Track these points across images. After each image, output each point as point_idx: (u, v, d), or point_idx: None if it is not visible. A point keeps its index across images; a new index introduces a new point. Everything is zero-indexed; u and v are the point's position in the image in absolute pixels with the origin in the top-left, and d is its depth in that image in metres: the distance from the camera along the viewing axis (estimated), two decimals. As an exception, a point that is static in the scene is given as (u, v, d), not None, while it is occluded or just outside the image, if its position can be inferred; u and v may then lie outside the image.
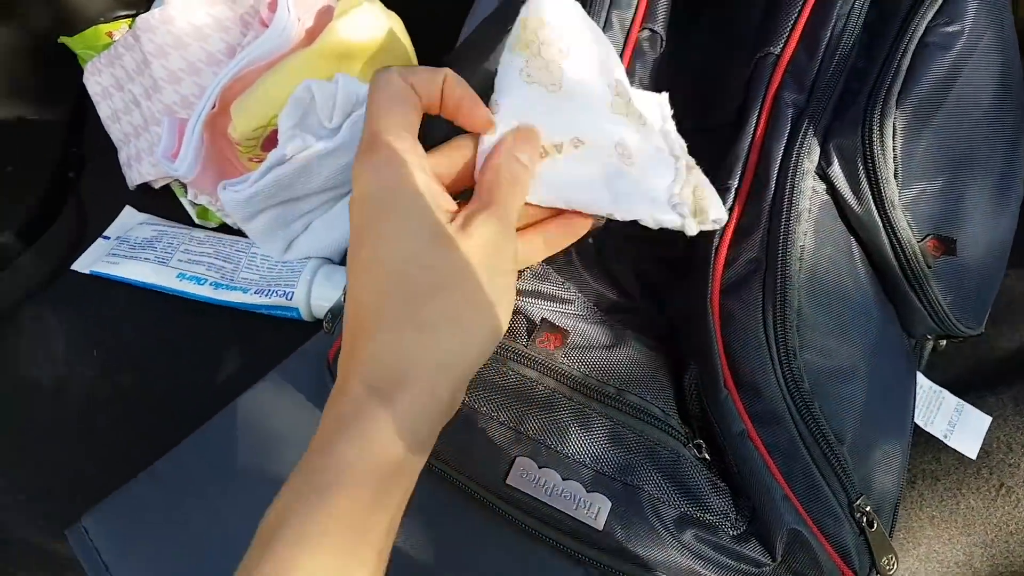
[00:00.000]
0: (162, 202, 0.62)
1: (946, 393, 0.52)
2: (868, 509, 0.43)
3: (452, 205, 0.36)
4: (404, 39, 0.55)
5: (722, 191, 0.46)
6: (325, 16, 0.54)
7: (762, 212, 0.44)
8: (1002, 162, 0.48)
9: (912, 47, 0.44)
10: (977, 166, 0.46)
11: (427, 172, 0.36)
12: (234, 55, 0.56)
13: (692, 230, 0.40)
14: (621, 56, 0.50)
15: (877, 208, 0.44)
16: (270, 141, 0.52)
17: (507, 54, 0.40)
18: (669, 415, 0.43)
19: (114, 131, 0.63)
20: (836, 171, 0.44)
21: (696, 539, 0.42)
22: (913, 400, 0.49)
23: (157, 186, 0.62)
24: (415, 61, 0.57)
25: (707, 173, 0.49)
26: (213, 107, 0.51)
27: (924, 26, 0.44)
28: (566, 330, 0.44)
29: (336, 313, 0.49)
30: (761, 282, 0.43)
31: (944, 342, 0.53)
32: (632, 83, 0.50)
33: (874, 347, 0.45)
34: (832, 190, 0.45)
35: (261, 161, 0.54)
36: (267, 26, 0.52)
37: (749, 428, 0.42)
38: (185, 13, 0.55)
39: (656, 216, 0.39)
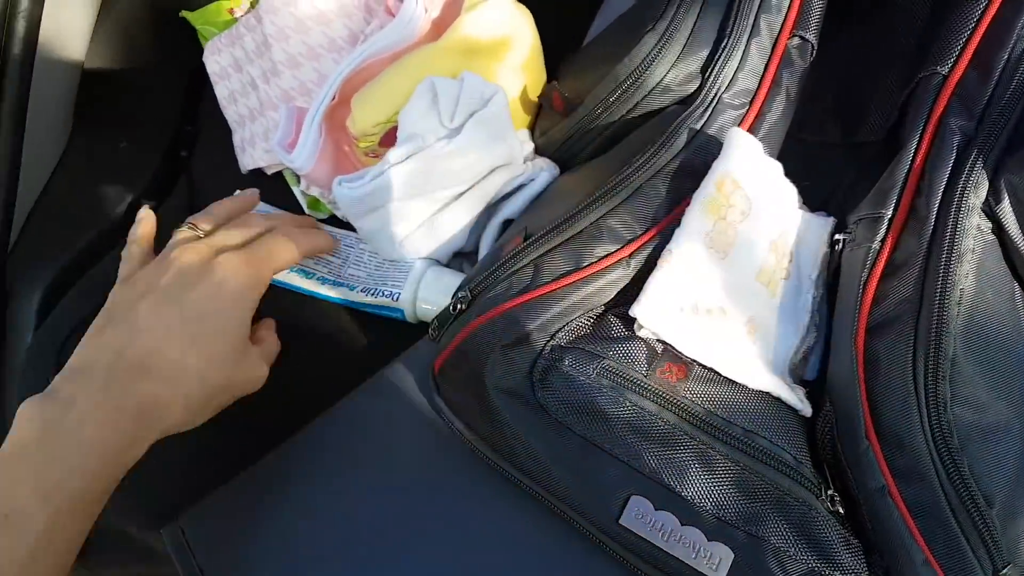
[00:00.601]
0: (273, 188, 0.61)
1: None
2: (1014, 578, 0.39)
3: None
4: (533, 36, 0.53)
5: (873, 219, 0.43)
6: (452, 8, 0.52)
7: (919, 247, 0.41)
8: None
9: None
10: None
11: None
12: (355, 42, 0.55)
13: (807, 410, 0.42)
14: (767, 66, 0.47)
15: (1051, 253, 0.40)
16: (389, 137, 0.50)
17: (698, 212, 0.42)
18: (801, 462, 0.40)
19: (230, 112, 0.62)
20: (1006, 209, 0.40)
21: (825, 599, 0.39)
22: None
23: (270, 172, 0.62)
24: (542, 58, 0.55)
25: (850, 191, 0.45)
26: (333, 98, 0.50)
27: None
28: (691, 361, 0.41)
29: (443, 321, 0.47)
30: (913, 325, 0.40)
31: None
32: (778, 94, 0.47)
33: (1031, 405, 0.41)
34: (999, 230, 0.41)
35: (378, 157, 0.52)
36: (393, 15, 0.51)
37: (890, 484, 0.39)
38: None
39: (780, 394, 0.42)
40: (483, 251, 0.54)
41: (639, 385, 0.41)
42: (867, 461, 0.39)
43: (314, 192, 0.57)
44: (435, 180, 0.49)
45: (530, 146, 0.55)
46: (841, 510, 0.40)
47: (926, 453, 0.38)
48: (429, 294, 0.52)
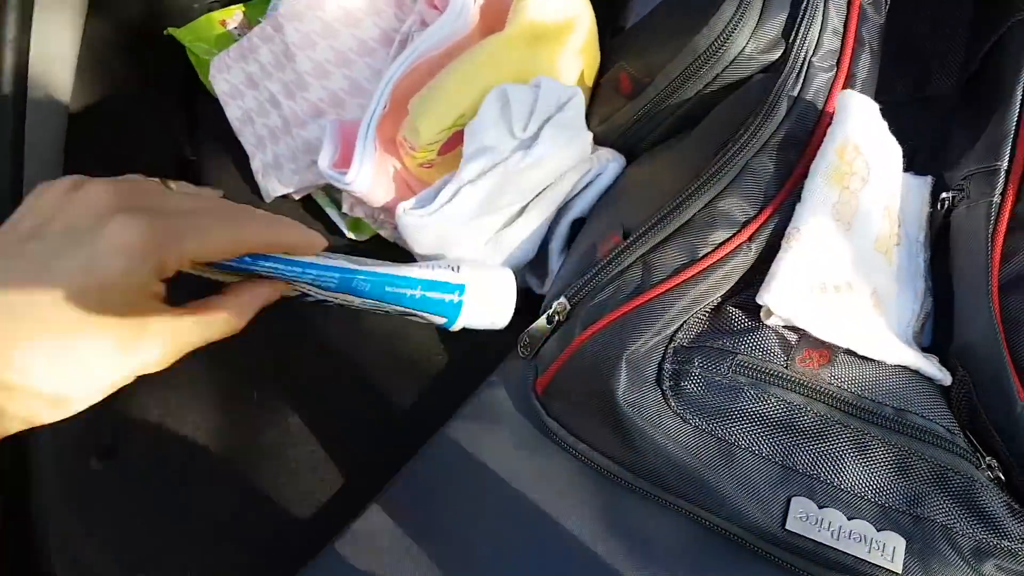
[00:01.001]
0: (301, 214, 0.57)
1: None
2: None
3: None
4: (591, 14, 0.49)
5: (988, 173, 0.41)
6: (500, -5, 0.48)
7: (1046, 197, 0.39)
8: None
9: None
10: None
11: None
12: (388, 42, 0.51)
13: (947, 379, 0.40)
14: (846, 24, 0.45)
15: None
16: (449, 144, 0.46)
17: (821, 182, 0.40)
18: (955, 433, 0.38)
19: (246, 135, 0.57)
20: None
21: (998, 569, 0.37)
22: None
23: (298, 196, 0.57)
24: (597, 38, 0.51)
25: (936, 147, 0.43)
26: (384, 107, 0.46)
27: None
28: (833, 346, 0.39)
29: (535, 336, 0.44)
30: (1052, 280, 0.38)
31: None
32: (863, 51, 0.44)
33: None
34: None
35: (432, 168, 0.48)
36: (437, 7, 0.47)
37: (1051, 445, 0.37)
38: None
39: (919, 366, 0.40)
40: (554, 256, 0.51)
41: (781, 377, 0.38)
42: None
43: (358, 213, 0.53)
44: (510, 195, 0.45)
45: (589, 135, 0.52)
46: (1002, 476, 0.39)
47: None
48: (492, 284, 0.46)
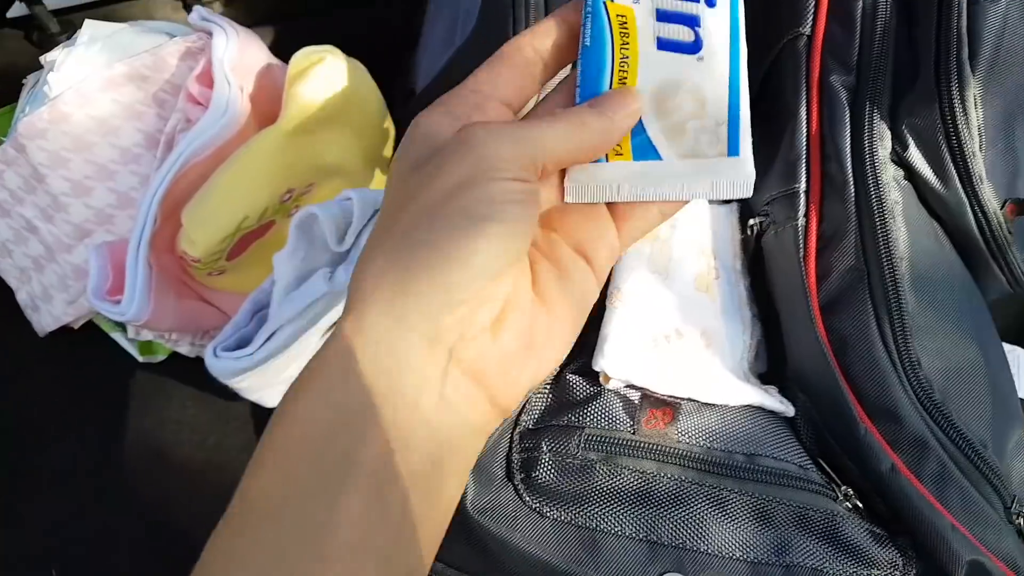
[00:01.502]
0: (84, 343, 0.50)
1: (1019, 350, 0.50)
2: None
3: None
4: (372, 88, 0.46)
5: (788, 196, 0.42)
6: (269, 78, 0.44)
7: (847, 213, 0.40)
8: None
9: (964, 5, 0.40)
10: (1020, 109, 0.43)
11: None
12: (155, 145, 0.46)
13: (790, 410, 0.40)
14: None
15: (964, 187, 0.40)
16: (238, 247, 0.42)
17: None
18: (807, 468, 0.38)
19: (5, 268, 0.50)
20: (914, 154, 0.40)
21: (873, 599, 0.37)
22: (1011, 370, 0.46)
23: (78, 325, 0.51)
24: (385, 107, 0.49)
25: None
26: (155, 222, 0.41)
27: (967, -21, 0.40)
28: (675, 402, 0.38)
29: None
30: (867, 292, 0.39)
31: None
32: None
33: (978, 330, 0.42)
34: (911, 175, 0.41)
35: (224, 272, 0.44)
36: (200, 103, 0.42)
37: (897, 461, 0.38)
38: (83, 106, 0.44)
39: (761, 402, 0.39)
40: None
41: (631, 446, 0.37)
42: (869, 445, 0.38)
43: (147, 335, 0.47)
44: (336, 311, 0.41)
45: None
46: (859, 504, 0.39)
47: (919, 418, 0.38)
48: None
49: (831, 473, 0.39)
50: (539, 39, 0.28)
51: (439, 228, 0.24)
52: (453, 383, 0.25)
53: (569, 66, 0.30)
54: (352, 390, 0.23)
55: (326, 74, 0.41)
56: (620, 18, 0.28)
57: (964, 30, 0.39)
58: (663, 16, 0.28)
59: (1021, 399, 0.49)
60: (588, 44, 0.28)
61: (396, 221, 0.25)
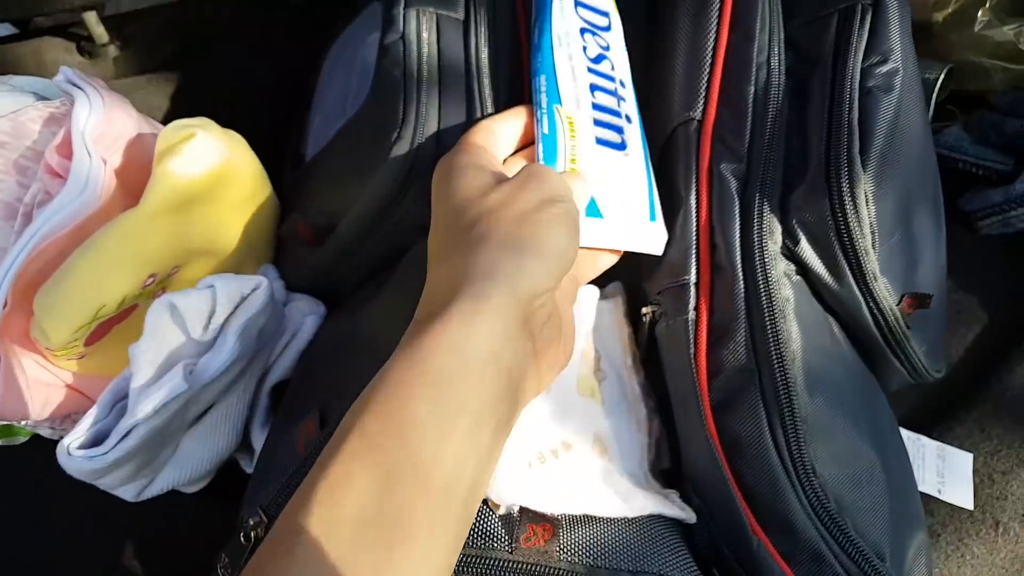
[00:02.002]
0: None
1: (924, 439, 0.50)
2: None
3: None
4: (252, 161, 0.44)
5: (678, 287, 0.40)
6: (139, 149, 0.41)
7: (737, 308, 0.39)
8: (932, 186, 0.46)
9: (856, 96, 0.39)
10: (918, 201, 0.43)
11: None
12: (12, 216, 0.42)
13: (692, 517, 0.39)
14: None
15: (858, 283, 0.39)
16: (98, 332, 0.39)
17: None
18: (695, 582, 0.37)
19: None
20: (806, 250, 0.39)
21: None
22: (911, 467, 0.45)
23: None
24: (267, 181, 0.46)
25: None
26: (4, 305, 0.38)
27: (859, 69, 0.40)
28: (554, 517, 0.36)
29: (235, 555, 0.37)
30: (759, 393, 0.38)
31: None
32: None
33: (876, 429, 0.41)
34: (803, 270, 0.40)
35: (84, 356, 0.41)
36: (60, 174, 0.39)
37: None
38: None
39: (660, 511, 0.38)
40: (256, 431, 0.44)
41: (508, 567, 0.34)
42: (762, 558, 0.37)
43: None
44: (196, 407, 0.39)
45: (280, 285, 0.46)
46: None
47: (813, 530, 0.36)
48: None
49: (720, 579, 0.38)
50: (510, 124, 0.39)
51: (540, 228, 0.32)
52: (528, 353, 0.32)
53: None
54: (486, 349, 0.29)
55: (197, 151, 0.38)
56: (568, 119, 0.38)
57: (855, 123, 0.39)
58: (598, 123, 0.39)
59: (923, 492, 0.48)
60: (547, 133, 0.38)
61: (485, 224, 0.32)
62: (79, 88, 0.42)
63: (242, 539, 0.37)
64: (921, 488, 0.48)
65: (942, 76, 0.58)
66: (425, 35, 0.43)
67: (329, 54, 0.53)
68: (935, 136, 0.62)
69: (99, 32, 0.67)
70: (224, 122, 0.44)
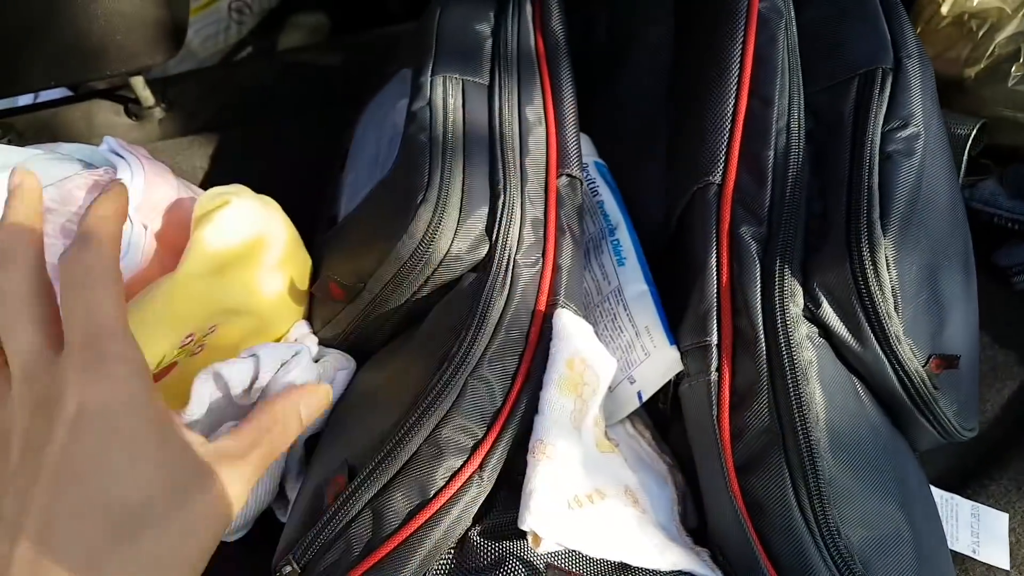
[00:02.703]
0: None
1: (958, 499, 0.49)
2: None
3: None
4: (286, 226, 0.46)
5: (701, 349, 0.41)
6: (178, 214, 0.43)
7: (759, 371, 0.39)
8: (962, 244, 0.46)
9: (876, 161, 0.40)
10: (945, 258, 0.43)
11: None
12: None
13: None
14: (546, 213, 0.44)
15: (881, 346, 0.40)
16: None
17: (555, 392, 0.38)
18: (720, 643, 0.36)
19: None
20: (828, 313, 0.40)
21: None
22: (942, 526, 0.45)
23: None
24: (301, 244, 0.48)
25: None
26: None
27: (879, 134, 0.40)
28: (579, 573, 0.36)
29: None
30: (783, 456, 0.38)
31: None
32: (564, 238, 0.43)
33: (904, 490, 0.41)
34: (826, 332, 0.40)
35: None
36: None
37: (812, 636, 0.36)
38: None
39: (692, 568, 0.38)
40: (291, 481, 0.45)
41: (533, 625, 0.35)
42: (789, 620, 0.36)
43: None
44: None
45: (313, 340, 0.48)
46: None
47: (837, 590, 0.36)
48: None
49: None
50: None
51: None
52: None
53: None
54: None
55: (232, 217, 0.40)
56: None
57: (876, 187, 0.39)
58: None
59: (958, 552, 0.48)
60: None
61: None
62: (121, 157, 0.44)
63: (277, 592, 0.38)
64: (955, 548, 0.47)
65: (974, 131, 0.58)
66: (451, 101, 0.45)
67: (361, 118, 0.56)
68: (970, 190, 0.62)
69: (145, 95, 0.71)
70: (261, 182, 0.46)
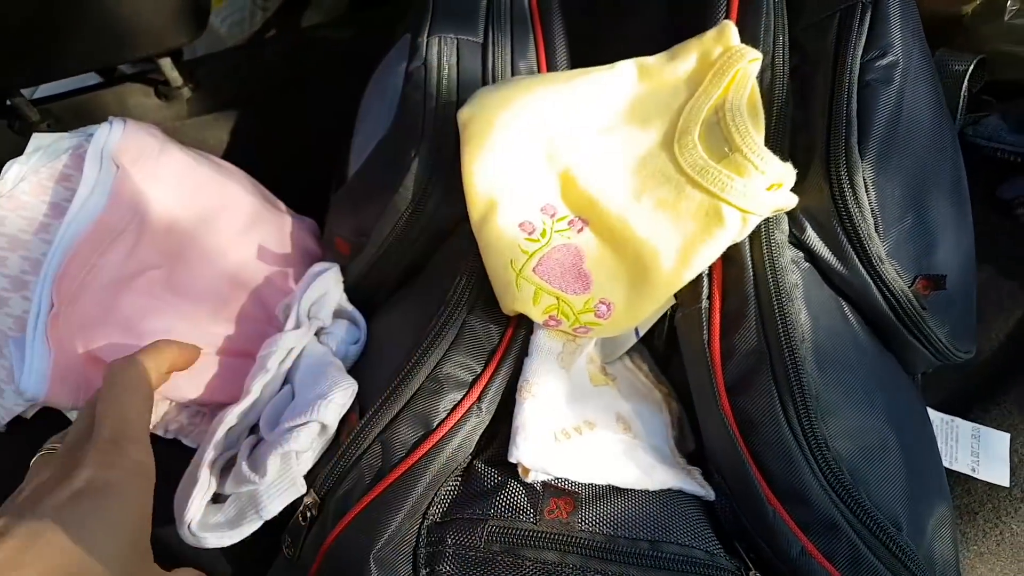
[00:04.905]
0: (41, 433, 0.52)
1: (958, 420, 0.49)
2: (942, 590, 0.39)
3: None
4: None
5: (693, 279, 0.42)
6: (151, 165, 0.47)
7: (747, 296, 0.40)
8: (952, 171, 0.46)
9: (855, 89, 0.41)
10: (932, 184, 0.44)
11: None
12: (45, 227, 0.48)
13: (711, 494, 0.40)
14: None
15: (864, 267, 0.41)
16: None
17: (543, 335, 0.40)
18: (715, 554, 0.38)
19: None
20: (812, 237, 0.41)
21: None
22: (937, 444, 0.45)
23: (30, 415, 0.52)
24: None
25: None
26: (51, 306, 0.44)
27: (858, 64, 0.41)
28: (575, 492, 0.38)
29: (295, 534, 0.41)
30: (770, 374, 0.39)
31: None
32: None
33: (894, 407, 0.42)
34: (811, 256, 0.41)
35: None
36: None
37: (808, 545, 0.38)
38: (16, 208, 0.47)
39: (681, 486, 0.40)
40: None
41: (532, 536, 0.37)
42: (779, 528, 0.38)
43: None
44: None
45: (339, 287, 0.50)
46: (768, 585, 0.38)
47: (827, 500, 0.37)
48: None
49: (744, 557, 0.39)
50: None
51: None
52: None
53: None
54: None
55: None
56: None
57: (854, 114, 0.40)
58: None
59: (957, 472, 0.48)
60: None
61: None
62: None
63: (300, 519, 0.40)
64: (954, 467, 0.48)
65: (971, 67, 0.58)
66: (446, 60, 0.46)
67: (368, 86, 0.57)
68: (973, 127, 0.61)
69: (173, 76, 0.74)
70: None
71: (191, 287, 0.49)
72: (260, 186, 0.58)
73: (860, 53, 0.41)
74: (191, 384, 0.46)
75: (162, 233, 0.49)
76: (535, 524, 0.37)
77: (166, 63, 0.72)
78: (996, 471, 0.48)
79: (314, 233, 0.58)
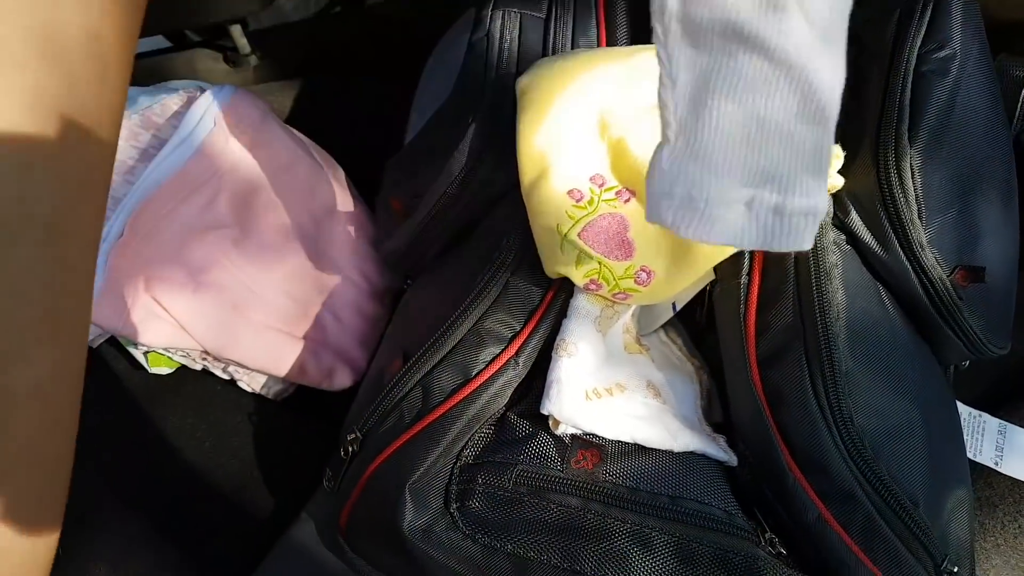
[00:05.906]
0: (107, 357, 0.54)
1: (986, 416, 0.50)
2: (955, 570, 0.39)
3: None
4: None
5: (734, 255, 0.43)
6: (256, 135, 0.48)
7: (786, 273, 0.41)
8: (1004, 170, 0.46)
9: (910, 79, 0.41)
10: (981, 179, 0.44)
11: None
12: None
13: (733, 460, 0.42)
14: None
15: (904, 252, 0.41)
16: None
17: (583, 299, 0.42)
18: (732, 514, 0.39)
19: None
20: (855, 220, 0.42)
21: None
22: (962, 434, 0.46)
23: (96, 345, 0.54)
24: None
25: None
26: (121, 234, 0.46)
27: (915, 55, 0.42)
28: (602, 445, 0.39)
29: (336, 467, 0.43)
30: (803, 349, 0.40)
31: (967, 362, 0.51)
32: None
33: (922, 392, 0.42)
34: (853, 239, 0.42)
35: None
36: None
37: (824, 512, 0.39)
38: None
39: (704, 450, 0.41)
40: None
41: (558, 482, 0.38)
42: (797, 494, 0.39)
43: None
44: None
45: None
46: (783, 551, 0.39)
47: (847, 471, 0.38)
48: None
49: (761, 520, 0.40)
50: None
51: None
52: None
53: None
54: None
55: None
56: None
57: (907, 103, 0.41)
58: None
59: (980, 464, 0.48)
60: None
61: None
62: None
63: (341, 453, 0.42)
64: (978, 459, 0.48)
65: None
66: (508, 32, 0.48)
67: (429, 59, 0.59)
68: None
69: (242, 43, 0.76)
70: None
71: (255, 256, 0.51)
72: (335, 164, 0.60)
73: (918, 44, 0.42)
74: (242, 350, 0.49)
75: (240, 196, 0.52)
76: (561, 472, 0.39)
77: (236, 30, 0.75)
78: (1019, 467, 0.48)
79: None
